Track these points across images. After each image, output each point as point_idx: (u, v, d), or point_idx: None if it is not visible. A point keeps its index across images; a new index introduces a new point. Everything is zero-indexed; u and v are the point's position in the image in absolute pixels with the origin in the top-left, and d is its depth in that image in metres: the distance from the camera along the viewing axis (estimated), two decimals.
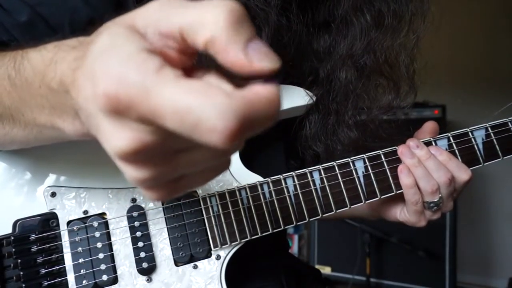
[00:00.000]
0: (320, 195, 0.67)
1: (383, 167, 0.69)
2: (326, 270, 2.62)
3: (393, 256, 2.46)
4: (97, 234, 0.61)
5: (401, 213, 0.74)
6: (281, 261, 0.78)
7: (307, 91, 0.72)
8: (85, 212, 0.62)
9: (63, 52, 0.35)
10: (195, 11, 0.27)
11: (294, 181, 0.67)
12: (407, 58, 0.74)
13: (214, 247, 0.64)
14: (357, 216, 0.88)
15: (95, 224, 0.61)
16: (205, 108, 0.24)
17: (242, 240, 0.64)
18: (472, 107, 2.70)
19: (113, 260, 0.61)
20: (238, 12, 0.26)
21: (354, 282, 2.51)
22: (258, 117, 0.25)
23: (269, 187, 0.66)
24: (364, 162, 0.69)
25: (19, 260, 0.58)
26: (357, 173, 0.68)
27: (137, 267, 0.62)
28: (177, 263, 0.63)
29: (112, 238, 0.62)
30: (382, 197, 0.68)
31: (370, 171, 0.68)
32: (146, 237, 0.63)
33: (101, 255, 0.61)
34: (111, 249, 0.61)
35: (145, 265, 0.62)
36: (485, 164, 0.72)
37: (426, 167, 0.68)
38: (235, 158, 0.67)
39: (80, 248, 0.60)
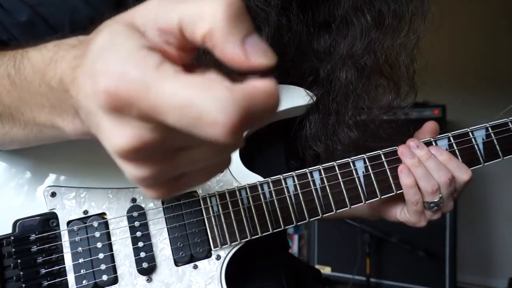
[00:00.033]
0: (320, 195, 0.67)
1: (383, 167, 0.69)
2: (326, 270, 2.62)
3: (393, 256, 2.46)
4: (97, 234, 0.61)
5: (401, 213, 0.74)
6: (281, 261, 0.78)
7: (307, 91, 0.72)
8: (85, 212, 0.62)
9: (63, 51, 0.35)
10: (194, 5, 0.27)
11: (294, 181, 0.67)
12: (407, 58, 0.74)
13: (214, 247, 0.64)
14: (357, 216, 0.88)
15: (95, 224, 0.61)
16: (205, 102, 0.24)
17: (242, 240, 0.64)
18: (472, 107, 2.71)
19: (113, 260, 0.61)
20: (237, 6, 0.26)
21: (354, 282, 2.51)
22: (258, 110, 0.25)
23: (269, 187, 0.66)
24: (364, 162, 0.69)
25: (19, 260, 0.58)
26: (357, 173, 0.68)
27: (137, 267, 0.62)
28: (177, 263, 0.63)
29: (112, 238, 0.62)
30: (382, 197, 0.68)
31: (370, 171, 0.68)
32: (146, 237, 0.63)
33: (101, 255, 0.61)
34: (111, 249, 0.61)
35: (145, 265, 0.62)
36: (485, 164, 0.72)
37: (426, 167, 0.67)
38: (235, 158, 0.67)
39: (80, 248, 0.60)
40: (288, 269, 0.78)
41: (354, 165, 0.68)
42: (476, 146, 0.71)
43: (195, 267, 0.64)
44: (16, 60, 0.42)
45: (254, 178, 0.67)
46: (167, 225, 0.63)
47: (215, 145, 0.29)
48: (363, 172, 0.68)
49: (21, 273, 0.58)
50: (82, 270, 0.60)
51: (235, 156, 0.67)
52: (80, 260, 0.60)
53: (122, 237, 0.62)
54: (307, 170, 0.67)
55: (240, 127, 0.24)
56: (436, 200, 0.68)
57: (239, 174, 0.67)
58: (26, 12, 0.56)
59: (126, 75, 0.25)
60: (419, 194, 0.68)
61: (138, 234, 0.62)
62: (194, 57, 0.31)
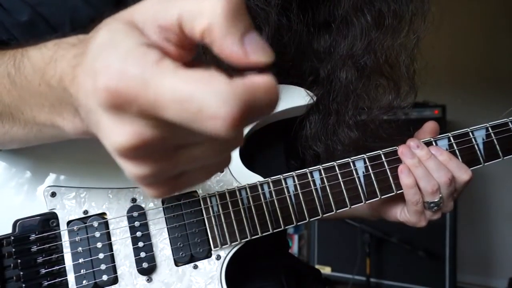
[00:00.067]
0: (321, 195, 0.67)
1: (384, 167, 0.69)
2: (326, 270, 2.62)
3: (393, 256, 2.46)
4: (97, 234, 0.61)
5: (401, 213, 0.74)
6: (281, 261, 0.78)
7: (308, 91, 0.72)
8: (85, 212, 0.62)
9: (63, 50, 0.35)
10: (194, 0, 0.27)
11: (294, 181, 0.67)
12: (408, 58, 0.73)
13: (214, 247, 0.64)
14: (357, 216, 0.88)
15: (95, 224, 0.61)
16: (206, 96, 0.24)
17: (242, 240, 0.64)
18: (472, 107, 2.71)
19: (113, 260, 0.61)
20: (236, 2, 0.26)
21: (354, 282, 2.51)
22: (258, 104, 0.25)
23: (269, 187, 0.66)
24: (365, 162, 0.69)
25: (19, 260, 0.58)
26: (357, 173, 0.68)
27: (137, 267, 0.62)
28: (177, 263, 0.63)
29: (112, 238, 0.62)
30: (382, 197, 0.68)
31: (371, 171, 0.68)
32: (146, 237, 0.63)
33: (101, 255, 0.61)
34: (111, 249, 0.61)
35: (145, 265, 0.62)
36: (485, 164, 0.72)
37: (426, 167, 0.67)
38: (236, 158, 0.67)
39: (80, 248, 0.60)
40: (288, 269, 0.78)
41: (354, 165, 0.68)
42: (476, 146, 0.71)
43: (195, 267, 0.64)
44: (16, 59, 0.42)
45: (254, 178, 0.67)
46: (167, 225, 0.63)
47: (215, 143, 0.29)
48: (363, 172, 0.68)
49: (21, 273, 0.58)
50: (82, 270, 0.60)
51: (235, 156, 0.67)
52: (80, 260, 0.60)
53: (122, 237, 0.62)
54: (307, 170, 0.67)
55: (241, 120, 0.24)
56: (436, 200, 0.68)
57: (239, 174, 0.67)
58: (26, 12, 0.56)
59: (125, 72, 0.25)
60: (419, 194, 0.68)
61: (138, 234, 0.62)
62: (194, 55, 0.31)
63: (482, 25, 2.93)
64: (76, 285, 0.59)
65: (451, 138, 0.71)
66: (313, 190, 0.67)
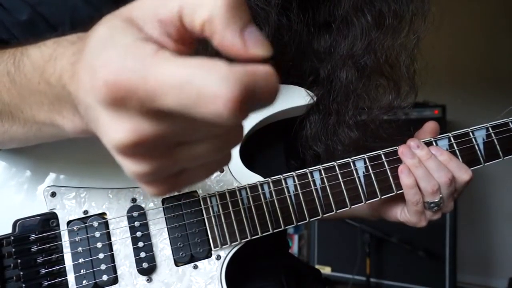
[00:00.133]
0: (321, 195, 0.67)
1: (384, 167, 0.69)
2: (326, 270, 2.62)
3: (393, 256, 2.46)
4: (97, 234, 0.61)
5: (401, 213, 0.74)
6: (281, 261, 0.78)
7: (308, 91, 0.72)
8: (85, 212, 0.62)
9: (63, 48, 0.35)
10: None
11: (294, 181, 0.67)
12: (408, 58, 0.73)
13: (214, 247, 0.64)
14: (357, 216, 0.88)
15: (95, 224, 0.61)
16: (205, 77, 0.24)
17: (243, 240, 0.64)
18: (472, 107, 2.71)
19: (113, 260, 0.61)
20: None
21: (354, 282, 2.51)
22: (258, 89, 0.25)
23: (269, 187, 0.66)
24: (365, 162, 0.69)
25: (19, 260, 0.58)
26: (357, 173, 0.68)
27: (137, 267, 0.62)
28: (177, 263, 0.63)
29: (112, 238, 0.62)
30: (382, 197, 0.68)
31: (371, 171, 0.68)
32: (146, 237, 0.63)
33: (101, 255, 0.61)
34: (111, 249, 0.61)
35: (145, 265, 0.62)
36: (485, 164, 0.71)
37: (426, 167, 0.67)
38: (236, 158, 0.67)
39: (80, 248, 0.60)
40: (288, 269, 0.78)
41: (355, 165, 0.68)
42: (476, 146, 0.71)
43: (195, 267, 0.64)
44: (16, 57, 0.42)
45: (254, 178, 0.67)
46: (167, 225, 0.63)
47: (215, 140, 0.29)
48: (363, 172, 0.68)
49: (21, 273, 0.58)
50: (82, 270, 0.60)
51: (235, 156, 0.67)
52: (80, 260, 0.60)
53: (122, 237, 0.62)
54: (307, 170, 0.67)
55: (241, 103, 0.24)
56: (436, 200, 0.68)
57: (239, 174, 0.67)
58: (26, 12, 0.56)
59: (124, 66, 0.25)
60: (420, 194, 0.68)
61: (138, 234, 0.62)
62: (193, 51, 0.31)
63: (482, 25, 2.93)
64: (76, 285, 0.59)
65: (451, 138, 0.71)
66: (313, 190, 0.67)
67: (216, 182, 0.66)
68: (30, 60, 0.40)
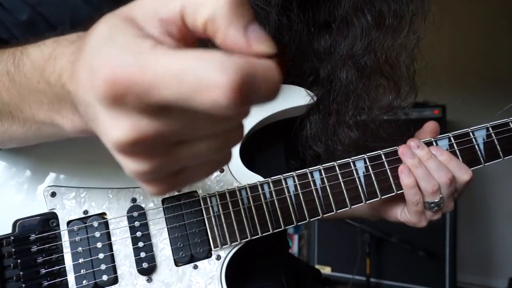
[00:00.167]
0: (321, 195, 0.67)
1: (384, 167, 0.69)
2: (326, 270, 2.62)
3: (393, 256, 2.46)
4: (97, 234, 0.61)
5: (401, 214, 0.74)
6: (281, 261, 0.78)
7: (308, 91, 0.72)
8: (85, 212, 0.62)
9: (62, 47, 0.35)
10: None
11: (294, 181, 0.67)
12: (408, 58, 0.73)
13: (215, 247, 0.64)
14: (357, 216, 0.88)
15: (95, 224, 0.61)
16: (204, 66, 0.23)
17: (243, 240, 0.64)
18: (472, 107, 2.71)
19: (113, 260, 0.61)
20: None
21: (354, 282, 2.51)
22: (258, 81, 0.25)
23: (269, 187, 0.66)
24: (365, 162, 0.69)
25: (19, 260, 0.58)
26: (357, 173, 0.68)
27: (137, 267, 0.62)
28: (177, 263, 0.63)
29: (112, 238, 0.62)
30: (382, 197, 0.68)
31: (371, 171, 0.68)
32: (146, 237, 0.63)
33: (101, 255, 0.61)
34: (111, 249, 0.61)
35: (145, 265, 0.62)
36: (485, 164, 0.71)
37: (426, 167, 0.67)
38: (236, 158, 0.67)
39: (80, 248, 0.60)
40: (288, 269, 0.78)
41: (355, 165, 0.68)
42: (476, 146, 0.71)
43: (195, 267, 0.64)
44: (16, 57, 0.42)
45: (254, 178, 0.67)
46: (167, 225, 0.63)
47: (215, 139, 0.29)
48: (363, 172, 0.68)
49: (21, 273, 0.58)
50: (82, 270, 0.60)
51: (236, 156, 0.67)
52: (80, 260, 0.60)
53: (122, 237, 0.62)
54: (308, 170, 0.67)
55: (241, 93, 0.23)
56: (436, 200, 0.68)
57: (239, 174, 0.67)
58: (26, 12, 0.56)
59: (123, 63, 0.25)
60: (420, 194, 0.68)
61: (138, 234, 0.62)
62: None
63: (482, 25, 2.93)
64: (76, 285, 0.59)
65: (452, 138, 0.71)
66: (313, 190, 0.67)
67: (216, 182, 0.66)
68: (30, 59, 0.40)
